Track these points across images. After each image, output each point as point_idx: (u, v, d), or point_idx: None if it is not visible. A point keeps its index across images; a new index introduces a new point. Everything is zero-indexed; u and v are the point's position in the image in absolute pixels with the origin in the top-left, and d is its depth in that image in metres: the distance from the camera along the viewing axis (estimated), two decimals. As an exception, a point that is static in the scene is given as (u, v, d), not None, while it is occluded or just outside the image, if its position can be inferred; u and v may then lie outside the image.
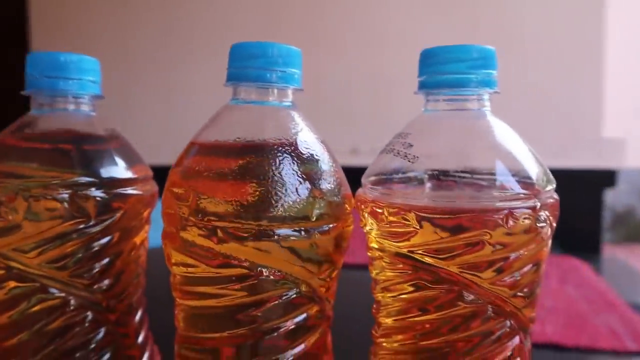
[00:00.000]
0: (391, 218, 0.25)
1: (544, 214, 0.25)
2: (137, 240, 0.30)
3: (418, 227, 0.24)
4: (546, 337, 0.53)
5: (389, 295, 0.27)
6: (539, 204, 0.24)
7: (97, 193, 0.27)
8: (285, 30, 1.16)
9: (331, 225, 0.26)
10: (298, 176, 0.25)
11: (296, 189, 0.25)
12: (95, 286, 0.27)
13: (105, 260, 0.28)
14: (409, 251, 0.25)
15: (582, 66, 1.09)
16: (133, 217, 0.29)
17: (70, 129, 0.28)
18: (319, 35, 1.16)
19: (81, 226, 0.26)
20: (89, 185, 0.27)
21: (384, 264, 0.26)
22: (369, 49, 1.16)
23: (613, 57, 1.08)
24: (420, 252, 0.24)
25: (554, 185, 0.26)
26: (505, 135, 0.26)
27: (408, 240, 0.24)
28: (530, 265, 0.25)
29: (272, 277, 0.25)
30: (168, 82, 1.20)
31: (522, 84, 1.13)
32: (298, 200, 0.24)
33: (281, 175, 0.25)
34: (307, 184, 0.25)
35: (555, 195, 0.27)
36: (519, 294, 0.25)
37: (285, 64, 0.27)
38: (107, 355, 0.28)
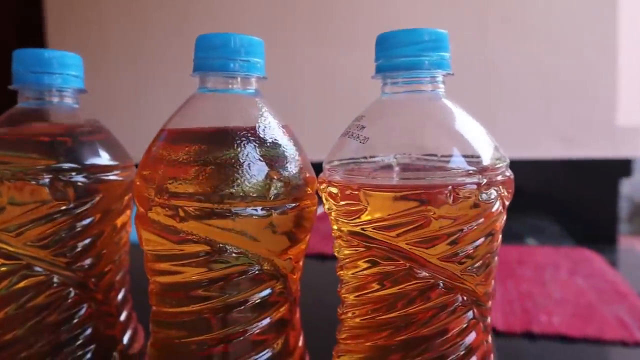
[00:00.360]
0: (344, 197, 0.26)
1: (493, 191, 0.25)
2: (118, 222, 0.32)
3: (367, 205, 0.25)
4: (553, 328, 0.53)
5: (349, 272, 0.28)
6: (484, 181, 0.25)
7: (77, 178, 0.29)
8: (297, 26, 1.18)
9: (290, 205, 0.27)
10: (256, 158, 0.26)
11: (254, 170, 0.26)
12: (77, 265, 0.30)
13: (86, 241, 0.30)
14: (361, 229, 0.26)
15: (596, 53, 1.07)
16: (113, 201, 0.31)
17: (53, 121, 0.31)
18: (332, 30, 1.16)
19: (62, 208, 0.28)
20: (69, 170, 0.29)
21: (342, 242, 0.28)
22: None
23: (627, 44, 1.05)
24: (371, 229, 0.25)
25: (506, 162, 0.27)
26: (456, 116, 0.27)
27: (359, 217, 0.26)
28: (481, 241, 0.26)
29: (233, 254, 0.26)
30: (179, 81, 1.23)
31: (535, 72, 1.11)
32: (255, 180, 0.26)
33: (239, 157, 0.26)
34: (265, 166, 0.26)
35: (509, 172, 0.27)
36: (470, 269, 0.26)
37: (247, 54, 0.28)
38: (89, 331, 0.30)
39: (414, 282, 0.26)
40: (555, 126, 1.12)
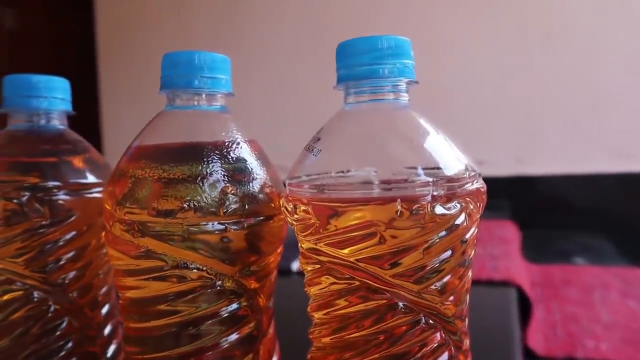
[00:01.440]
0: (297, 212, 0.25)
1: (456, 203, 0.24)
2: (102, 238, 0.33)
3: (316, 220, 0.24)
4: (600, 354, 0.49)
5: (312, 290, 0.27)
6: (441, 192, 0.23)
7: (56, 195, 0.30)
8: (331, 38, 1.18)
9: (249, 220, 0.27)
10: (211, 173, 0.26)
11: (207, 185, 0.26)
12: (55, 280, 0.30)
13: (65, 257, 0.31)
14: (314, 244, 0.25)
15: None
16: (93, 217, 0.32)
17: (37, 143, 0.32)
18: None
19: (38, 225, 0.30)
20: (48, 188, 0.30)
21: (303, 258, 0.27)
22: (424, 57, 1.15)
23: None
24: (322, 244, 0.24)
25: (474, 174, 0.25)
26: (417, 126, 0.26)
27: (311, 233, 0.25)
28: (444, 257, 0.24)
29: (190, 270, 0.26)
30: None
31: (582, 84, 1.05)
32: (209, 195, 0.26)
33: (194, 172, 0.26)
34: (220, 181, 0.26)
35: (478, 183, 0.25)
36: (432, 287, 0.24)
37: (211, 70, 0.29)
38: (70, 344, 0.31)
39: (373, 301, 0.24)
40: (606, 139, 1.05)
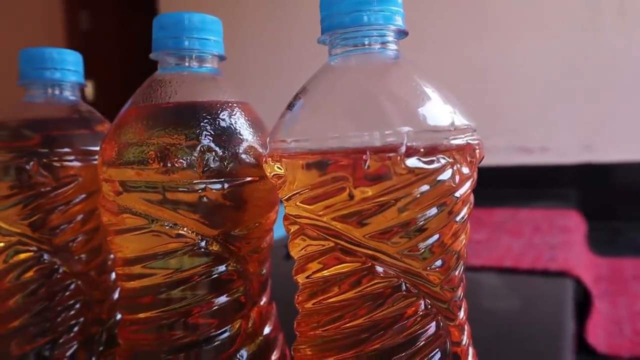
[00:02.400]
0: (273, 168, 0.24)
1: (440, 157, 0.21)
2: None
3: (286, 174, 0.23)
4: None
5: (292, 252, 0.25)
6: (419, 144, 0.21)
7: (60, 161, 0.31)
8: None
9: (231, 181, 0.26)
10: (192, 134, 0.26)
11: (188, 144, 0.25)
12: (62, 243, 0.32)
13: (72, 221, 0.32)
14: (288, 202, 0.24)
15: None
16: (98, 183, 0.32)
17: (47, 113, 0.33)
18: (421, 32, 1.12)
19: (44, 189, 0.31)
20: (53, 154, 0.31)
21: (285, 220, 0.25)
22: (477, 40, 1.09)
23: None
24: (296, 202, 0.23)
25: (465, 127, 0.23)
26: (403, 78, 0.24)
27: (284, 189, 0.23)
28: (423, 216, 0.22)
29: (169, 229, 0.26)
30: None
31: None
32: (188, 155, 0.25)
33: (175, 133, 0.26)
34: (200, 141, 0.26)
35: (469, 139, 0.23)
36: (411, 250, 0.22)
37: (201, 31, 0.28)
38: (77, 306, 0.32)
39: (347, 264, 0.22)
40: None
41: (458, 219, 0.23)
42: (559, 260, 0.70)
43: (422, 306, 0.23)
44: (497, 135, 1.06)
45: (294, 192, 0.23)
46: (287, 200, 0.23)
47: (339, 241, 0.22)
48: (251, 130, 0.28)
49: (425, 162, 0.21)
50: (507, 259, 0.72)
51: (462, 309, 0.25)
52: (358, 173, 0.21)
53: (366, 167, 0.21)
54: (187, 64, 0.29)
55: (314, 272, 0.24)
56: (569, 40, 1.02)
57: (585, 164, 1.02)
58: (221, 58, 0.30)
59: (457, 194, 0.22)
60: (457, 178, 0.22)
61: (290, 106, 0.25)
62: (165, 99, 0.27)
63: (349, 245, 0.22)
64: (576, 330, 0.58)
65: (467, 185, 0.23)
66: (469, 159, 0.23)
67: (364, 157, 0.21)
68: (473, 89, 1.09)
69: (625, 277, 0.81)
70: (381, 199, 0.21)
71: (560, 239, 0.80)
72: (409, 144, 0.21)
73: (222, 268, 0.27)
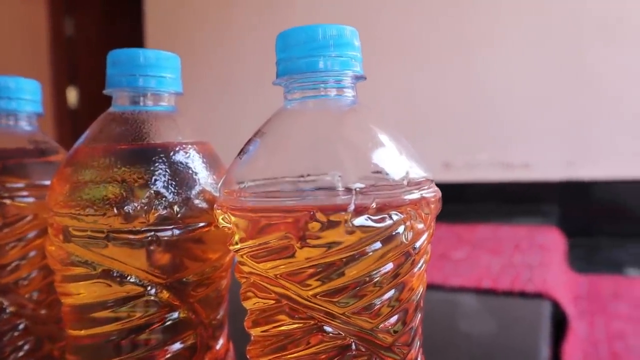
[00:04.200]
0: (222, 220, 0.23)
1: (393, 214, 0.21)
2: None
3: (236, 229, 0.22)
4: None
5: (245, 304, 0.24)
6: (370, 202, 0.20)
7: (11, 198, 0.30)
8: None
9: (182, 227, 0.25)
10: (140, 176, 0.25)
11: (135, 188, 0.24)
12: (10, 283, 0.30)
13: (24, 258, 0.31)
14: (238, 254, 0.23)
15: None
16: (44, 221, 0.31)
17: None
18: (410, 43, 1.12)
19: (-7, 226, 0.30)
20: (4, 190, 0.30)
21: (236, 271, 0.25)
22: (459, 55, 1.09)
23: None
24: (243, 255, 0.22)
25: (421, 179, 0.22)
26: (359, 127, 0.23)
27: (232, 243, 0.23)
28: (373, 276, 0.21)
29: (118, 277, 0.25)
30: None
31: (638, 78, 0.95)
32: (135, 200, 0.24)
33: (121, 175, 0.25)
34: (150, 185, 0.25)
35: (425, 191, 0.22)
36: (360, 310, 0.21)
37: (158, 69, 0.27)
38: (27, 347, 0.31)
39: (295, 323, 0.22)
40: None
41: (414, 270, 0.23)
42: (536, 281, 0.70)
43: (354, 347, 0.22)
44: (479, 151, 1.06)
45: (243, 247, 0.22)
46: (236, 252, 0.23)
47: (285, 300, 0.21)
48: (207, 172, 0.27)
49: (375, 221, 0.20)
50: (486, 279, 0.71)
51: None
52: (304, 232, 0.20)
53: (313, 226, 0.20)
54: (141, 102, 0.28)
55: (265, 329, 0.23)
56: (552, 57, 1.02)
57: (566, 180, 1.02)
58: (178, 95, 0.29)
59: (410, 250, 0.22)
60: (410, 234, 0.21)
61: (242, 152, 0.24)
62: (117, 140, 0.27)
63: (295, 305, 0.21)
64: (553, 352, 0.58)
65: (423, 239, 0.22)
66: (423, 213, 0.22)
67: (311, 215, 0.20)
68: (456, 105, 1.09)
69: (603, 296, 0.81)
70: (328, 259, 0.20)
71: (540, 258, 0.80)
72: (358, 202, 0.20)
73: (174, 315, 0.26)
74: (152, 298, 0.25)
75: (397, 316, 0.22)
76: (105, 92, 0.28)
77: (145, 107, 0.28)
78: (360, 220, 0.20)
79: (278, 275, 0.21)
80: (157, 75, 0.27)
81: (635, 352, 0.61)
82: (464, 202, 1.05)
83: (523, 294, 0.66)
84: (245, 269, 0.22)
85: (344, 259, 0.20)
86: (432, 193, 0.22)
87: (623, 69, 0.97)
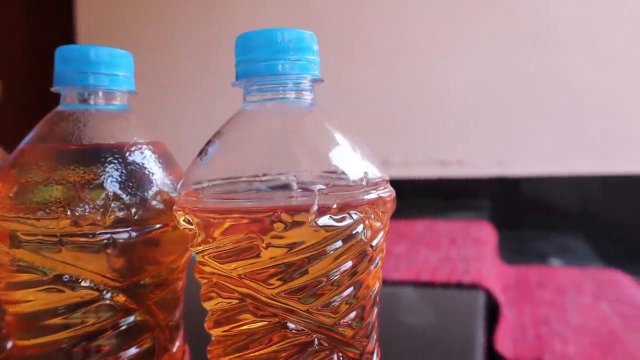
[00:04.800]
0: (181, 221, 0.23)
1: (353, 213, 0.22)
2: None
3: (196, 229, 0.22)
4: (567, 358, 0.48)
5: (206, 304, 0.25)
6: (333, 202, 0.21)
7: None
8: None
9: (139, 229, 0.25)
10: (94, 178, 0.24)
11: (89, 191, 0.24)
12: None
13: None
14: (199, 255, 0.23)
15: (633, 66, 0.98)
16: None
17: None
18: (351, 44, 1.14)
19: None
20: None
21: (196, 272, 0.25)
22: (401, 56, 1.13)
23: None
24: (205, 256, 0.22)
25: (378, 180, 0.23)
26: (317, 129, 0.24)
27: (193, 244, 0.23)
28: (333, 274, 0.22)
29: (73, 283, 0.24)
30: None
31: (567, 85, 1.03)
32: (89, 202, 0.24)
33: (74, 177, 0.24)
34: (104, 187, 0.24)
35: (381, 192, 0.23)
36: (323, 306, 0.22)
37: (108, 67, 0.26)
38: None
39: (259, 321, 0.22)
40: (588, 141, 1.03)
41: (372, 268, 0.24)
42: (472, 273, 0.74)
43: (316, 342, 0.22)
44: (417, 149, 1.10)
45: (205, 248, 0.22)
46: (198, 253, 0.23)
47: (249, 300, 0.22)
48: (163, 173, 0.26)
49: (336, 220, 0.21)
50: (424, 272, 0.74)
51: (375, 353, 0.25)
52: (268, 232, 0.20)
53: (277, 226, 0.20)
54: (93, 101, 0.27)
55: (227, 328, 0.23)
56: (485, 63, 1.08)
57: (497, 177, 1.09)
58: (131, 93, 0.28)
59: (368, 248, 0.23)
60: (369, 233, 0.22)
61: (202, 153, 0.24)
62: (67, 140, 0.26)
63: (260, 304, 0.22)
64: (487, 339, 0.62)
65: (379, 237, 0.23)
66: (380, 212, 0.23)
67: (275, 216, 0.20)
68: (395, 105, 1.13)
69: (530, 285, 0.87)
70: (292, 258, 0.21)
71: (474, 251, 0.85)
72: (320, 203, 0.21)
73: (130, 319, 0.26)
74: (108, 302, 0.25)
75: (356, 312, 0.23)
76: (53, 89, 0.27)
77: (97, 105, 0.27)
78: (324, 220, 0.21)
79: (242, 275, 0.21)
80: (109, 73, 0.27)
81: (557, 335, 0.66)
82: (401, 199, 1.08)
83: (459, 285, 0.70)
84: (207, 269, 0.23)
85: (307, 258, 0.21)
86: (388, 193, 0.24)
87: (550, 74, 1.04)
